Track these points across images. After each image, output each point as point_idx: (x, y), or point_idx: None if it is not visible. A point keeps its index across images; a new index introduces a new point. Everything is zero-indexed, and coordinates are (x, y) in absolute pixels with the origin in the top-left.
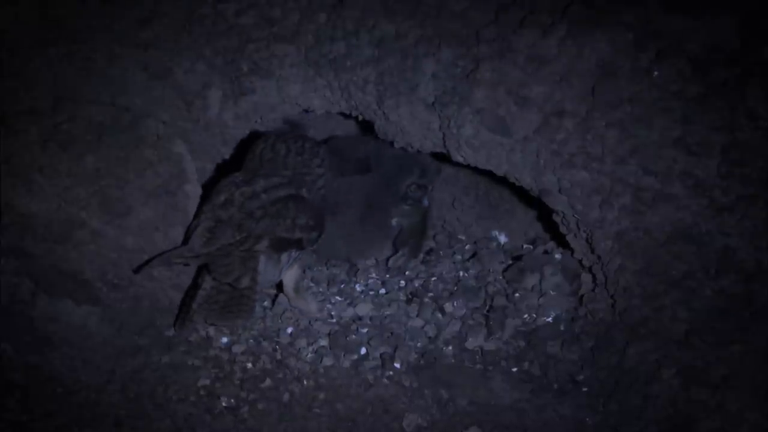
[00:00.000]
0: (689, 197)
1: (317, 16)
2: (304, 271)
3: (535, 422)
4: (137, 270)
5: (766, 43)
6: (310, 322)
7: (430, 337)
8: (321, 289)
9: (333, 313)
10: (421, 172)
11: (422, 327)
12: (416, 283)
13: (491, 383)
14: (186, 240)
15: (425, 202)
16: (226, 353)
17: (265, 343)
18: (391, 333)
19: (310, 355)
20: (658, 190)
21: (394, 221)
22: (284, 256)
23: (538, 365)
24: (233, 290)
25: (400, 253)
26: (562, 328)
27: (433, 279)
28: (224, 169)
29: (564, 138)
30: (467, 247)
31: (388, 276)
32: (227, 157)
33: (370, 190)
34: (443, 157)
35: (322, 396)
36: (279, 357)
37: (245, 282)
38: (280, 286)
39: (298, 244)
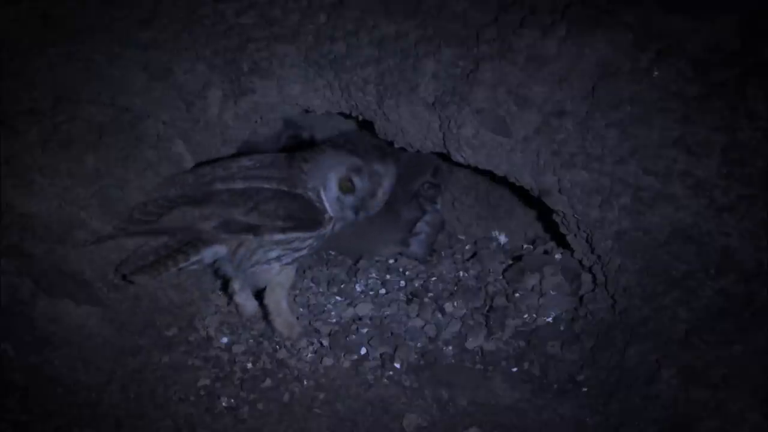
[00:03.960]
0: (689, 197)
1: (317, 16)
2: (294, 297)
3: (535, 422)
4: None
5: (766, 43)
6: (309, 322)
7: (430, 337)
8: (321, 289)
9: (333, 313)
10: (434, 171)
11: (422, 327)
12: (416, 283)
13: (491, 383)
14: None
15: (438, 204)
16: (226, 353)
17: (265, 343)
18: (391, 333)
19: (310, 355)
20: (658, 190)
21: (408, 220)
22: (274, 266)
23: (538, 365)
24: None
25: (415, 246)
26: (562, 328)
27: (433, 279)
28: None
29: (564, 138)
30: (467, 247)
31: (388, 276)
32: None
33: None
34: (444, 158)
35: (322, 396)
36: (279, 357)
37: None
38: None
39: (254, 230)
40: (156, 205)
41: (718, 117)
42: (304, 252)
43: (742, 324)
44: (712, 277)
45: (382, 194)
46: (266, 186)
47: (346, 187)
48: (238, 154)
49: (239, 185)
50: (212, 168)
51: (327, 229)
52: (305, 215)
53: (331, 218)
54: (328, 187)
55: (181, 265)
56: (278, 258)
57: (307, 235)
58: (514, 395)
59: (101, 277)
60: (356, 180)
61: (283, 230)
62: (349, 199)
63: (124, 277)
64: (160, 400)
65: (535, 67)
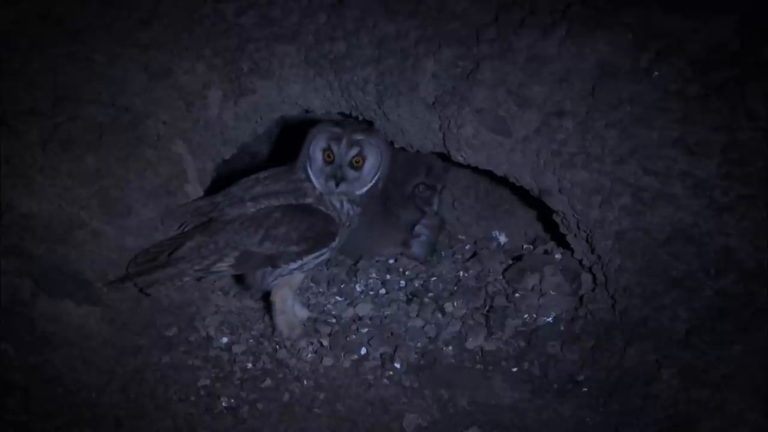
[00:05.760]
0: (689, 197)
1: (317, 16)
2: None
3: (535, 422)
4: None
5: (766, 43)
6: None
7: (430, 337)
8: (321, 289)
9: (333, 313)
10: (427, 171)
11: (422, 327)
12: (416, 283)
13: (491, 383)
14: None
15: (434, 204)
16: (226, 353)
17: (265, 343)
18: (391, 333)
19: (310, 355)
20: (658, 190)
21: (408, 221)
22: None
23: (538, 365)
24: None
25: (416, 247)
26: (562, 328)
27: (433, 279)
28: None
29: (564, 138)
30: (467, 247)
31: (388, 276)
32: (227, 157)
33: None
34: (444, 158)
35: (322, 396)
36: (279, 357)
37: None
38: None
39: (272, 262)
40: (162, 246)
41: (717, 117)
42: (326, 257)
43: (742, 324)
44: (712, 277)
45: (369, 169)
46: (274, 203)
47: (328, 155)
48: (246, 174)
49: (249, 209)
50: (219, 195)
51: (344, 232)
52: (317, 231)
53: (342, 226)
54: (313, 159)
55: (199, 276)
56: (300, 267)
57: (324, 251)
58: (514, 395)
59: (101, 277)
60: (334, 147)
61: (299, 255)
62: (329, 169)
63: (141, 290)
64: (160, 400)
65: (535, 67)
